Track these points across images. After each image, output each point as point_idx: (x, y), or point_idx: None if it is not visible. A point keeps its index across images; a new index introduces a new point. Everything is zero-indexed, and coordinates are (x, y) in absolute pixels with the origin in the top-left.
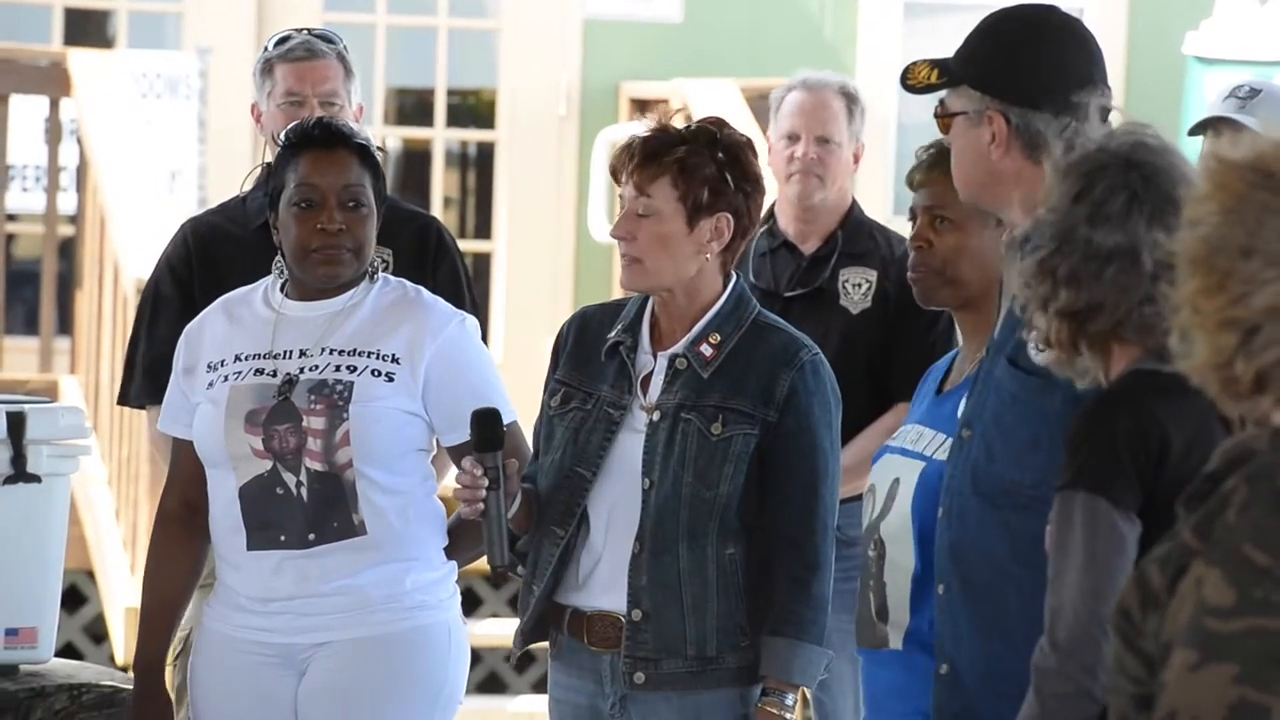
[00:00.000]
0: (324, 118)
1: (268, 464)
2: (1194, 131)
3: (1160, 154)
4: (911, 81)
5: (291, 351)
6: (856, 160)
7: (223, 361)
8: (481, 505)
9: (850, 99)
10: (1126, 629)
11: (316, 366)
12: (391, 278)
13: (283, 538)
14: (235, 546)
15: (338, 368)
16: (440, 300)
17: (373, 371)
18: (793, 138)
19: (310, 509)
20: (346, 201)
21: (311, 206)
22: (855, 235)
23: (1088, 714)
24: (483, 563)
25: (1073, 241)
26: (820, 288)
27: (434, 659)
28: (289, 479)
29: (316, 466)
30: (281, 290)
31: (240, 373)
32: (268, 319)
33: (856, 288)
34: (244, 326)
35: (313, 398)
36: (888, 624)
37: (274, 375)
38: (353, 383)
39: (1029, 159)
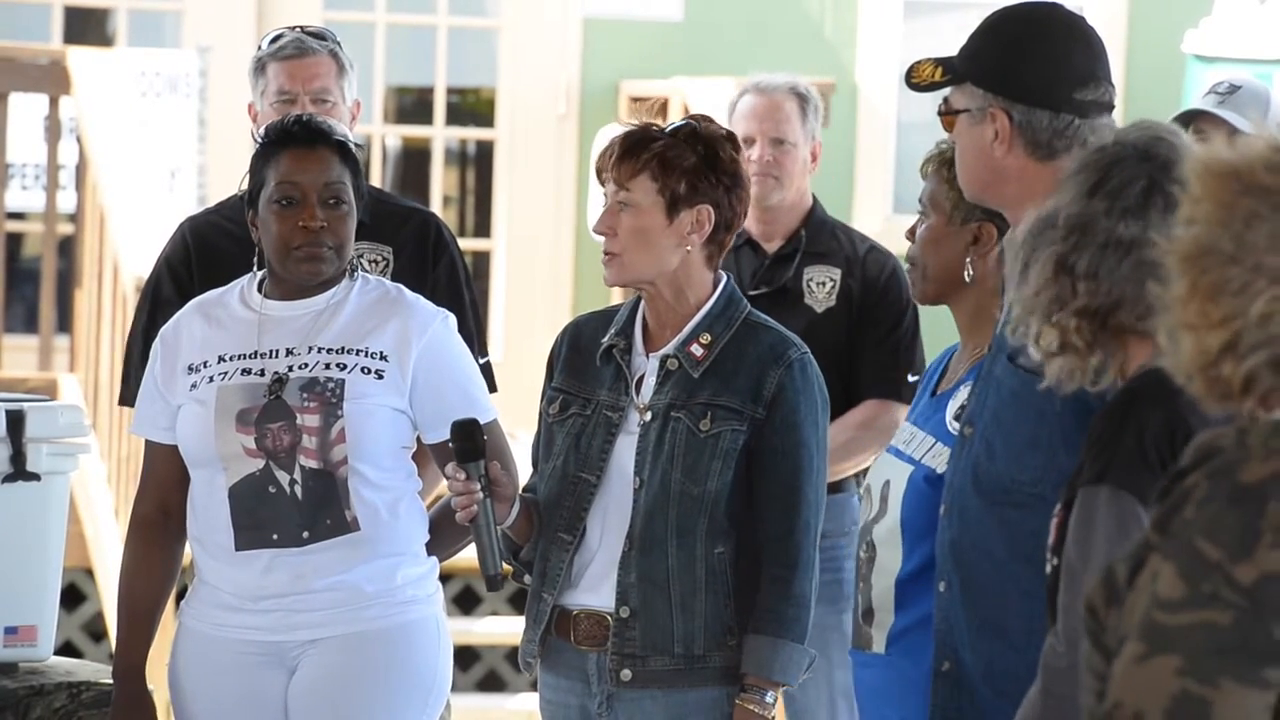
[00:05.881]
0: (303, 115)
1: (260, 463)
2: None
3: (1176, 148)
4: (916, 80)
5: (278, 350)
6: (814, 159)
7: (205, 363)
8: (475, 509)
9: (802, 99)
10: (1093, 626)
11: (306, 365)
12: (371, 276)
13: (275, 536)
14: (222, 546)
15: (327, 365)
16: (421, 298)
17: (362, 369)
18: (748, 141)
19: (304, 506)
20: (328, 199)
21: (293, 204)
22: (818, 234)
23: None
24: None
25: (1091, 234)
26: (784, 286)
27: (425, 653)
28: (282, 477)
29: (311, 464)
30: (259, 290)
31: (226, 373)
32: (249, 319)
33: (820, 286)
34: (224, 327)
35: (305, 395)
36: (872, 626)
37: (262, 374)
38: (343, 380)
39: (1032, 156)
